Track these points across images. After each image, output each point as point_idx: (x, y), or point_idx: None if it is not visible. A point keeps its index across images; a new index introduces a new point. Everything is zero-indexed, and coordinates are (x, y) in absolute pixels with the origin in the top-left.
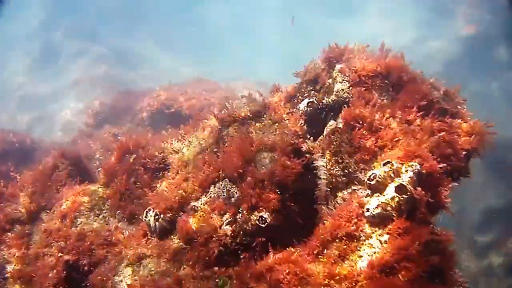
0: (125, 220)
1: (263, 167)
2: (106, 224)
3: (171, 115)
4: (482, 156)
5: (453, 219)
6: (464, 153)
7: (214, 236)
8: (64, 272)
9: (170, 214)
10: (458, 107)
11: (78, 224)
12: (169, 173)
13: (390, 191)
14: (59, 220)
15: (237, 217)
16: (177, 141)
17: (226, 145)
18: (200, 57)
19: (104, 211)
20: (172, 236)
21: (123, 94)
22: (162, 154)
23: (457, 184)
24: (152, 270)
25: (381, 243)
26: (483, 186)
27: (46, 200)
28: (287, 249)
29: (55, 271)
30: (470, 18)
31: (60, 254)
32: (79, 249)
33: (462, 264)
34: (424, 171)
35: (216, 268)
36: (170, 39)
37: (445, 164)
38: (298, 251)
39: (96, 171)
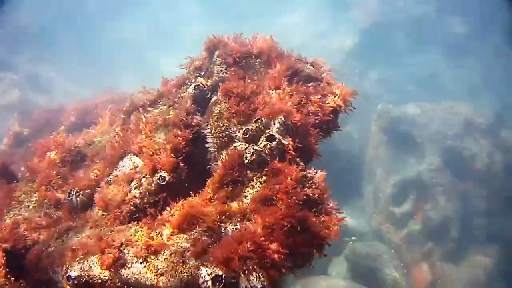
0: (52, 207)
1: (159, 139)
2: (36, 213)
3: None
4: (347, 111)
5: (371, 199)
6: (330, 109)
7: (125, 199)
8: (4, 258)
9: (89, 190)
10: (324, 74)
11: (11, 216)
12: (85, 163)
13: (262, 140)
14: None
15: (142, 181)
16: (90, 136)
17: (130, 129)
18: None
19: (33, 203)
20: (92, 209)
21: (39, 114)
22: (77, 148)
23: (328, 136)
24: (78, 237)
25: (261, 183)
26: (393, 161)
27: None
28: (186, 199)
29: None
30: (368, 9)
31: None
32: (14, 236)
33: (385, 237)
34: (289, 123)
35: (130, 224)
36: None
37: (313, 119)
38: (194, 199)
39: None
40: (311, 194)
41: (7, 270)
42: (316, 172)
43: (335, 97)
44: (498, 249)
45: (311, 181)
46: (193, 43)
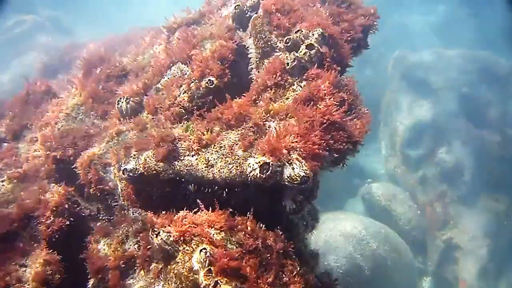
0: (99, 118)
1: (206, 50)
2: (83, 123)
3: None
4: (374, 32)
5: (387, 140)
6: (361, 28)
7: (175, 102)
8: (53, 165)
9: (138, 98)
10: None
11: (59, 128)
12: (130, 77)
13: (302, 48)
14: (42, 128)
15: (191, 86)
16: (133, 55)
17: (174, 44)
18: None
19: (80, 115)
20: (141, 115)
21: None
22: (121, 65)
23: (359, 53)
24: (130, 138)
25: (301, 87)
26: (410, 105)
27: (27, 119)
28: (232, 101)
29: (46, 165)
30: None
31: (47, 152)
32: (63, 145)
33: (400, 179)
34: (326, 34)
35: (180, 124)
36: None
37: (346, 35)
38: (240, 100)
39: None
40: (345, 97)
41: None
42: (350, 79)
43: (364, 17)
44: (510, 196)
45: (346, 87)
46: None
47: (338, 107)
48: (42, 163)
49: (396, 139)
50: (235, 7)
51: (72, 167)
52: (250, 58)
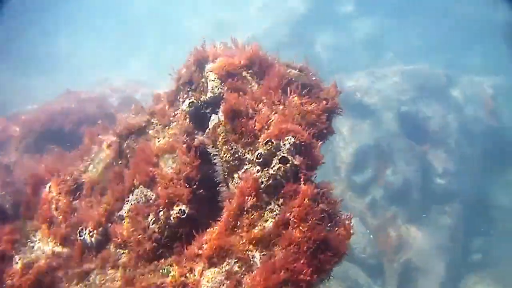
0: (59, 244)
1: (168, 168)
2: (42, 253)
3: (53, 134)
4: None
5: (331, 167)
6: (326, 116)
7: (145, 235)
8: None
9: (101, 228)
10: (313, 78)
11: (18, 261)
12: (84, 193)
13: (275, 163)
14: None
15: (160, 215)
16: (81, 162)
17: (129, 156)
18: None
19: (36, 242)
20: (108, 246)
21: None
22: (72, 176)
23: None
24: (102, 280)
25: (279, 206)
26: (350, 130)
27: None
28: (208, 230)
29: None
30: None
31: None
32: (28, 282)
33: (349, 205)
34: (297, 142)
35: (156, 262)
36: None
37: (313, 130)
38: (216, 229)
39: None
40: (326, 209)
41: None
42: (326, 185)
43: (327, 102)
44: (458, 208)
45: (324, 196)
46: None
47: (321, 224)
48: None
49: (339, 165)
50: (189, 104)
51: None
52: (217, 170)
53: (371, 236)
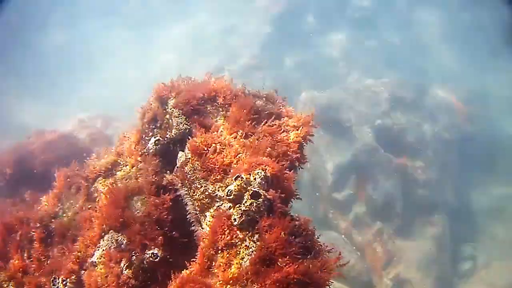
0: None
1: (138, 211)
2: None
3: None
4: (310, 142)
5: (310, 187)
6: (297, 145)
7: (120, 282)
8: None
9: (74, 276)
10: (281, 107)
11: None
12: (56, 239)
13: (247, 199)
14: None
15: (132, 260)
16: (51, 207)
17: (97, 200)
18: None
19: None
20: None
21: None
22: (43, 223)
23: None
24: None
25: (255, 242)
26: (327, 148)
27: None
28: (183, 271)
29: None
30: None
31: None
32: None
33: (332, 224)
34: (269, 174)
35: None
36: None
37: (285, 161)
38: (193, 270)
39: None
40: (303, 242)
41: None
42: (302, 218)
43: (298, 130)
44: (442, 216)
45: (301, 229)
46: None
47: (300, 258)
48: None
49: (319, 184)
50: (155, 142)
51: None
52: (188, 209)
53: (358, 253)
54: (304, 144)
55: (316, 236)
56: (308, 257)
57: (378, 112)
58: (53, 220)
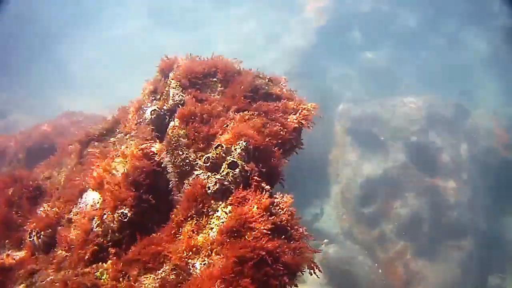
0: (15, 246)
1: (118, 172)
2: None
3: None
4: (309, 127)
5: (340, 200)
6: (292, 127)
7: (88, 238)
8: None
9: (50, 230)
10: (284, 90)
11: None
12: (46, 198)
13: (224, 168)
14: None
15: (104, 218)
16: (49, 169)
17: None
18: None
19: None
20: (55, 249)
21: None
22: (36, 183)
23: (292, 154)
24: (43, 281)
25: (226, 214)
26: (359, 161)
27: None
28: (150, 235)
29: None
30: (320, 9)
31: None
32: None
33: (357, 238)
34: (251, 147)
35: (94, 265)
36: None
37: (274, 140)
38: (159, 235)
39: None
40: (279, 222)
41: None
42: (283, 196)
43: (296, 113)
44: (470, 241)
45: (278, 207)
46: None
47: (271, 236)
48: None
49: (348, 197)
50: (151, 112)
51: None
52: (170, 177)
53: (380, 270)
54: (303, 128)
55: (296, 219)
56: (283, 237)
57: (414, 129)
58: (46, 180)
